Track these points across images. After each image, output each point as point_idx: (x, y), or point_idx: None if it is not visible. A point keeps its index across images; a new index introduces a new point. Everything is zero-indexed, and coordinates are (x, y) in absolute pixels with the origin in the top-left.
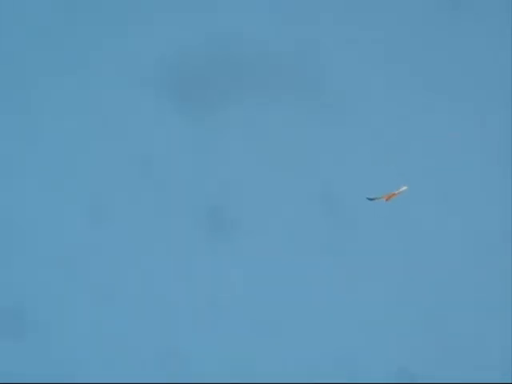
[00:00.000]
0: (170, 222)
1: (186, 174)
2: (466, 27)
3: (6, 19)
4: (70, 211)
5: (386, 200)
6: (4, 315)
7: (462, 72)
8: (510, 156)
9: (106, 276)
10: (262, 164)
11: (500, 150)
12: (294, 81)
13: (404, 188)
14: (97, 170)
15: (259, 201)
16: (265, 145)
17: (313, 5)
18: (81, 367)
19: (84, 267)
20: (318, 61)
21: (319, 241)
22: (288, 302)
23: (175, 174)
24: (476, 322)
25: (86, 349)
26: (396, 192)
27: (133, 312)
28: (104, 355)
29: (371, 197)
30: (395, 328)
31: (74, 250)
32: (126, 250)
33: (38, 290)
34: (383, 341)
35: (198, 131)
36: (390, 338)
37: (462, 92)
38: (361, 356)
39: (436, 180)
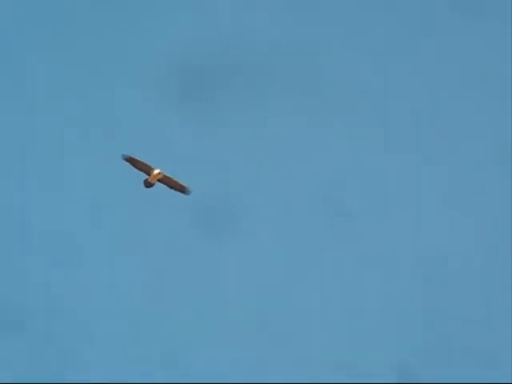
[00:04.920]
0: (170, 222)
1: (186, 172)
2: (466, 27)
3: (9, 18)
4: (70, 210)
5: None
6: (3, 314)
7: (462, 70)
8: (510, 155)
9: (106, 275)
10: (263, 163)
11: (501, 147)
12: (295, 81)
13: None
14: (97, 169)
15: (259, 200)
16: (265, 144)
17: (314, 6)
18: (81, 367)
19: (83, 266)
20: (321, 62)
21: (319, 240)
22: (288, 300)
23: (175, 173)
24: (476, 322)
25: (86, 348)
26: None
27: (133, 311)
28: (104, 355)
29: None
30: (395, 327)
31: (73, 248)
32: (126, 249)
33: (37, 289)
34: (383, 340)
35: (198, 130)
36: (390, 338)
37: (464, 91)
38: (361, 355)
39: (437, 178)
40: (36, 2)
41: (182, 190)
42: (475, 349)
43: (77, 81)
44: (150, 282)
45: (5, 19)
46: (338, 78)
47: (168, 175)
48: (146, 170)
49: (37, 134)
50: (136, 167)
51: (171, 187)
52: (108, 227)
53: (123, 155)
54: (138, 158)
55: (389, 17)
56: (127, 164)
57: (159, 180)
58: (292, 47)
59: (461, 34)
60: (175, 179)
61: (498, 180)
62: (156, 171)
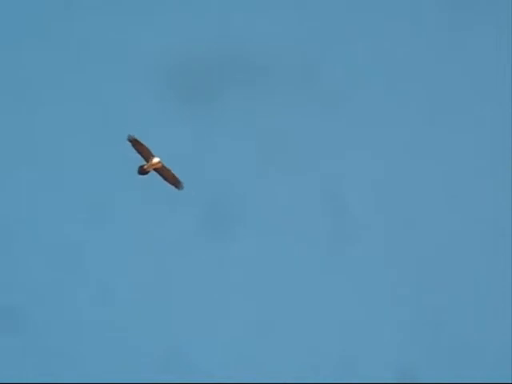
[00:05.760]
0: (171, 222)
1: (187, 171)
2: (466, 26)
3: (9, 13)
4: (70, 209)
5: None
6: (3, 313)
7: (460, 69)
8: (509, 154)
9: (106, 275)
10: (263, 162)
11: (499, 146)
12: (296, 81)
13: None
14: (96, 168)
15: (259, 198)
16: (265, 143)
17: (312, 4)
18: (80, 366)
19: (84, 266)
20: (319, 58)
21: (319, 239)
22: (289, 300)
23: (175, 171)
24: (476, 322)
25: (86, 348)
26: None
27: (133, 311)
28: (104, 354)
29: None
30: (396, 327)
31: (73, 248)
32: (127, 249)
33: (38, 289)
34: (383, 340)
35: (198, 130)
36: (390, 338)
37: (461, 89)
38: (361, 355)
39: (435, 176)
40: (37, 2)
41: (176, 183)
42: (475, 349)
43: (77, 80)
44: (151, 282)
45: (5, 19)
46: (339, 78)
47: (166, 166)
48: (147, 155)
49: (35, 134)
50: (137, 150)
51: (166, 179)
52: (108, 227)
53: (128, 135)
54: (143, 142)
55: (387, 14)
56: (129, 147)
57: (156, 169)
58: (292, 47)
59: (460, 33)
60: (172, 172)
61: (499, 179)
62: (156, 159)
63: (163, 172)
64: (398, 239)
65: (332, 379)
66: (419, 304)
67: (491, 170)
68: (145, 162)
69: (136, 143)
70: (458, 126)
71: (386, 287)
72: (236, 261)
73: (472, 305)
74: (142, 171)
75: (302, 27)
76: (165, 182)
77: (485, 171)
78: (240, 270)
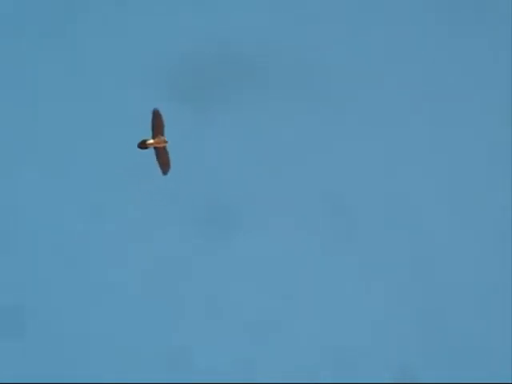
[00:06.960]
0: (170, 221)
1: (186, 171)
2: (465, 26)
3: (9, 13)
4: (69, 208)
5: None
6: (4, 314)
7: (460, 70)
8: (510, 153)
9: (106, 275)
10: (262, 162)
11: (502, 148)
12: (295, 80)
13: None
14: (96, 168)
15: (259, 200)
16: (265, 144)
17: (312, 4)
18: (81, 367)
19: (84, 265)
20: (319, 58)
21: (319, 240)
22: (288, 300)
23: (175, 172)
24: (477, 322)
25: (86, 348)
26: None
27: (134, 311)
28: (104, 354)
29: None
30: (396, 327)
31: (74, 248)
32: (127, 248)
33: (38, 289)
34: (383, 340)
35: (197, 129)
36: (390, 338)
37: (461, 88)
38: (361, 355)
39: (437, 177)
40: (37, 2)
41: (165, 168)
42: (476, 349)
43: (76, 80)
44: (152, 282)
45: (5, 19)
46: (340, 78)
47: (167, 150)
48: (158, 131)
49: (35, 134)
50: (154, 123)
51: (159, 160)
52: (109, 226)
53: (155, 108)
54: (163, 119)
55: (387, 14)
56: (149, 117)
57: (156, 147)
58: (292, 47)
59: (460, 33)
60: (169, 156)
61: (499, 179)
62: (164, 138)
63: (162, 153)
64: (398, 239)
65: (332, 379)
66: (419, 304)
67: (492, 170)
68: (149, 137)
69: (158, 116)
70: (458, 126)
71: (385, 287)
72: (235, 260)
73: (472, 304)
74: (143, 145)
75: (302, 27)
76: (155, 163)
77: (486, 172)
78: (239, 269)
